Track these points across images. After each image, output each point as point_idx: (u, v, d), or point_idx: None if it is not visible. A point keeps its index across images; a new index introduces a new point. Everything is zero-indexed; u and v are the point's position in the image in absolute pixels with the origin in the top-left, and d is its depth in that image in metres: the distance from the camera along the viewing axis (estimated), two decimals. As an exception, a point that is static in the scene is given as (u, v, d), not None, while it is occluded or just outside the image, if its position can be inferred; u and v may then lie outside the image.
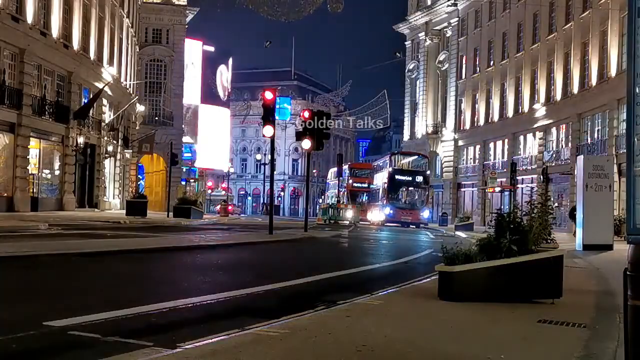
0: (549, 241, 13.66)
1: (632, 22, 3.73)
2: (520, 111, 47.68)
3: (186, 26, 65.65)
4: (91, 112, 37.35)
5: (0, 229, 16.98)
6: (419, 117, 64.34)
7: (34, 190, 32.04)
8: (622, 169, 24.30)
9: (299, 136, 24.28)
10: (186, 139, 66.36)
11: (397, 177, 45.84)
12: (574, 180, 27.82)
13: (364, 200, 53.11)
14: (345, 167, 57.20)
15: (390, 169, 46.36)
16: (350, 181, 55.15)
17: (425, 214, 45.95)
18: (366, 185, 53.60)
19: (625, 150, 3.78)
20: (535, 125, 44.73)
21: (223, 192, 78.76)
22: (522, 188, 42.93)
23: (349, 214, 44.61)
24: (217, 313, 6.78)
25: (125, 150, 47.45)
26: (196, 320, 6.30)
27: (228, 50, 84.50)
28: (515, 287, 7.55)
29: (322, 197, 66.31)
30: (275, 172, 27.60)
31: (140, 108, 52.74)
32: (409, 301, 7.60)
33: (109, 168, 43.64)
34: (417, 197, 46.08)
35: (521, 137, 48.38)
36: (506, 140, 50.03)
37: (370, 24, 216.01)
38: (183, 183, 61.08)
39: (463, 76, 58.06)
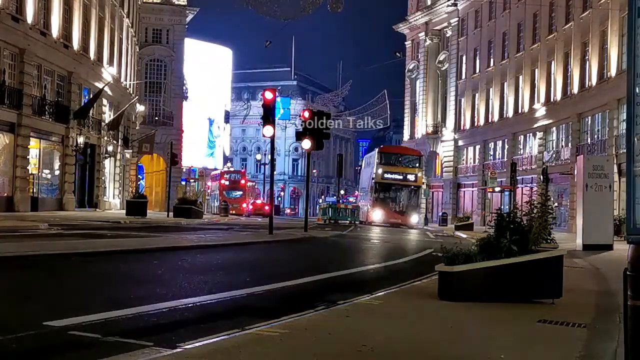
0: (549, 241, 13.67)
1: (632, 22, 3.73)
2: (520, 111, 47.66)
3: (186, 26, 65.66)
4: (91, 112, 37.35)
5: (0, 229, 16.98)
6: (419, 117, 64.33)
7: (34, 190, 32.05)
8: (622, 169, 24.29)
9: (299, 136, 24.27)
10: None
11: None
12: (574, 180, 27.80)
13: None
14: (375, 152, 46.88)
15: (380, 169, 42.75)
16: (380, 171, 43.62)
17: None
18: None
19: (625, 150, 3.78)
20: (535, 125, 44.72)
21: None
22: (522, 188, 42.90)
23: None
24: (217, 313, 6.78)
25: (125, 150, 47.45)
26: (196, 320, 6.29)
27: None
28: (515, 287, 7.55)
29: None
30: (275, 172, 27.59)
31: (140, 108, 52.74)
32: (409, 301, 7.60)
33: (109, 168, 43.64)
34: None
35: (521, 137, 48.37)
36: (506, 140, 50.02)
37: (370, 24, 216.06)
38: (183, 183, 61.11)
39: (463, 76, 58.05)
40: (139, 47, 57.40)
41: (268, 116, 20.90)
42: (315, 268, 11.71)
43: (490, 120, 52.51)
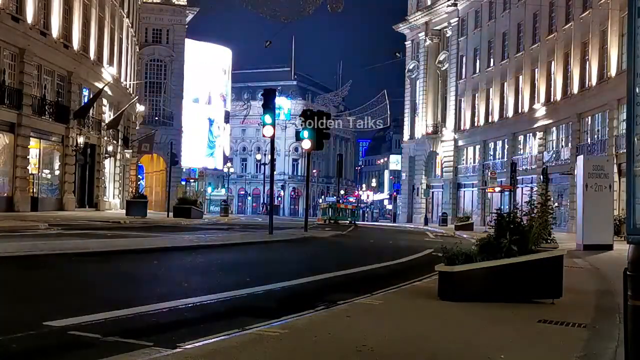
0: (549, 241, 13.69)
1: (632, 22, 3.73)
2: (520, 111, 47.65)
3: (186, 26, 65.70)
4: (91, 112, 37.34)
5: (0, 228, 16.98)
6: (419, 117, 64.30)
7: (34, 190, 32.04)
8: (622, 169, 24.29)
9: (299, 136, 24.27)
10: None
11: None
12: (574, 180, 27.80)
13: None
14: None
15: None
16: None
17: None
18: None
19: (625, 150, 3.78)
20: (535, 125, 44.71)
21: (223, 192, 78.84)
22: (522, 188, 42.88)
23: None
24: (217, 313, 6.78)
25: (125, 150, 47.44)
26: (196, 320, 6.30)
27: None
28: (515, 287, 7.55)
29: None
30: (275, 172, 27.61)
31: (140, 108, 52.74)
32: (409, 301, 7.59)
33: (109, 168, 43.62)
34: None
35: (521, 137, 48.36)
36: (506, 140, 50.01)
37: (370, 24, 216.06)
38: (183, 183, 61.10)
39: (463, 76, 58.04)
40: (139, 47, 57.39)
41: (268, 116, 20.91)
42: (315, 268, 11.71)
43: (490, 120, 52.50)
